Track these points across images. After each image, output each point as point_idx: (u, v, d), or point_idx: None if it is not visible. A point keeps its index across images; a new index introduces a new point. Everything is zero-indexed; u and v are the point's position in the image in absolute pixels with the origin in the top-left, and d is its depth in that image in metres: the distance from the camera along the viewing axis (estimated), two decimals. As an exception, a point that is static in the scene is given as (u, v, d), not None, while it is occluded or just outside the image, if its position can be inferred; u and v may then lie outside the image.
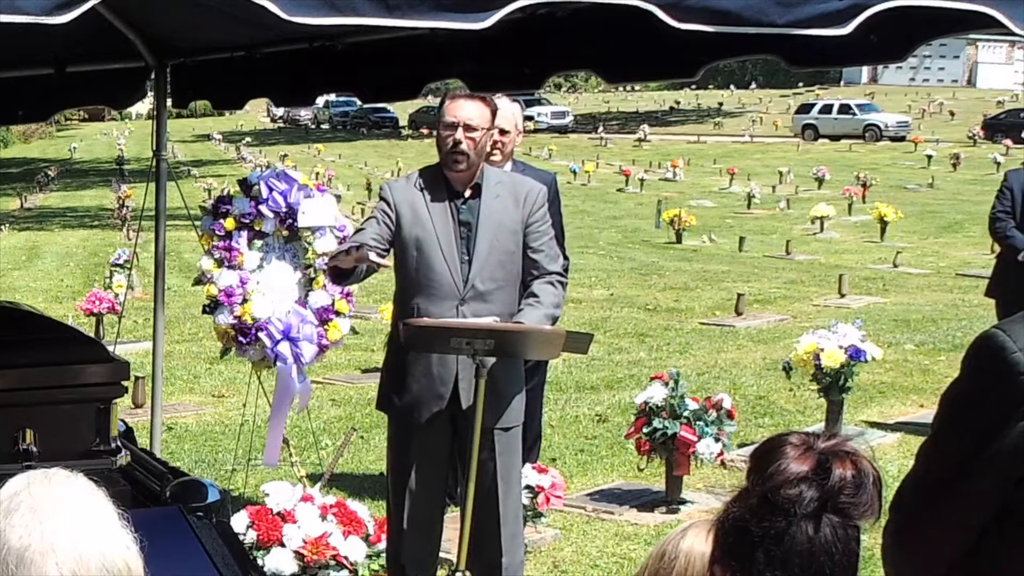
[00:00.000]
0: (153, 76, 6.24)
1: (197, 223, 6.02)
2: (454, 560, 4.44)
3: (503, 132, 5.57)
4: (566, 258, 6.15)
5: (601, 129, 58.57)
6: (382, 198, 4.69)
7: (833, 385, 7.83)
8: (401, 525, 4.70)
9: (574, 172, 38.26)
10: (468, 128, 4.56)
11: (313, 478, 6.17)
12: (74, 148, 54.89)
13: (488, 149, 4.82)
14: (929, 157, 41.03)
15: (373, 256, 4.34)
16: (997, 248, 8.96)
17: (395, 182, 4.83)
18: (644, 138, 53.23)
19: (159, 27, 5.77)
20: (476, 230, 4.60)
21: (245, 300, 5.81)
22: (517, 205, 4.66)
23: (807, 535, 1.82)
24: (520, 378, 4.75)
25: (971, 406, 2.17)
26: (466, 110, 4.59)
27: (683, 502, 6.74)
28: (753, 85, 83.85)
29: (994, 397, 2.12)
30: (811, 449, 1.86)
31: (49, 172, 40.70)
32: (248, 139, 57.79)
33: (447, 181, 4.64)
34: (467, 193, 4.65)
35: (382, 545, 5.00)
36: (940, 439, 2.22)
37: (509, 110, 5.76)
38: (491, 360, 4.31)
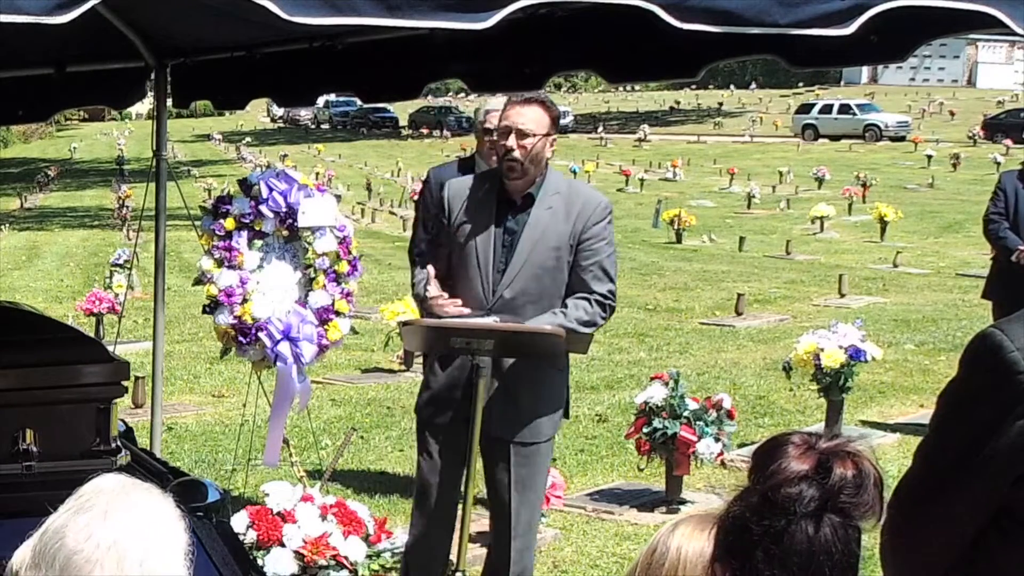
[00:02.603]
0: (153, 76, 6.24)
1: (197, 223, 6.01)
2: (453, 560, 4.44)
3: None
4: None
5: (601, 129, 58.56)
6: (432, 193, 4.53)
7: (833, 385, 7.83)
8: (424, 525, 4.64)
9: (574, 172, 38.18)
10: (521, 134, 4.37)
11: (313, 477, 6.17)
12: (74, 148, 54.92)
13: (548, 156, 4.52)
14: (929, 157, 41.02)
15: (453, 309, 4.32)
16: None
17: (452, 178, 4.62)
18: (644, 138, 53.22)
19: (159, 27, 5.76)
20: (517, 240, 4.46)
21: (245, 300, 5.80)
22: (568, 219, 4.46)
23: (807, 534, 1.82)
24: (555, 400, 4.59)
25: (969, 405, 2.18)
26: (520, 115, 4.39)
27: (683, 502, 6.74)
28: (753, 85, 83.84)
29: (992, 396, 2.13)
30: (812, 448, 1.86)
31: (49, 172, 40.71)
32: (248, 139, 57.80)
33: (502, 185, 4.48)
34: (519, 201, 4.48)
35: (382, 545, 5.01)
36: (938, 438, 2.23)
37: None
38: (489, 360, 4.25)
